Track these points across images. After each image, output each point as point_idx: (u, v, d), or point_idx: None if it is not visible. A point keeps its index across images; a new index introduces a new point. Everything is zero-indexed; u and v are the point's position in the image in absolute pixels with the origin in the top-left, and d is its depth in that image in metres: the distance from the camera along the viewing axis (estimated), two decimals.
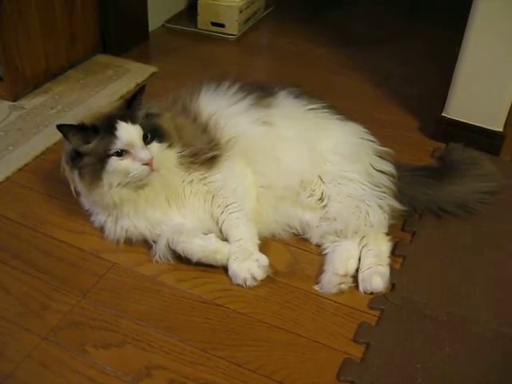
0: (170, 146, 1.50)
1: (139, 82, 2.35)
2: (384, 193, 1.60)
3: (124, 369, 1.28)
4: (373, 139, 1.69)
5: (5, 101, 2.17)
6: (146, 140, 1.45)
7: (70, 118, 2.08)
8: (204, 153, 1.55)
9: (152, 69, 2.46)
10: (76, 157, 1.46)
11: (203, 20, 2.80)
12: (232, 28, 2.78)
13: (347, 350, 1.35)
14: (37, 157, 1.91)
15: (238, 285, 1.48)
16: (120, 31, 2.55)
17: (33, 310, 1.40)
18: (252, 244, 1.51)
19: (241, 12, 2.78)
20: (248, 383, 1.27)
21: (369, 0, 3.31)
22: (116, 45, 2.54)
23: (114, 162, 1.42)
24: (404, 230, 1.69)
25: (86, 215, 1.63)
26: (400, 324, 1.41)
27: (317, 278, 1.52)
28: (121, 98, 2.23)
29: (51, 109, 2.16)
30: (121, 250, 1.56)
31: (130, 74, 2.41)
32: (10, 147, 1.94)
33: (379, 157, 1.66)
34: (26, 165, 1.87)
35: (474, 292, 1.51)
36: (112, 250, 1.57)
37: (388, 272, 1.52)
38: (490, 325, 1.42)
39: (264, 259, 1.48)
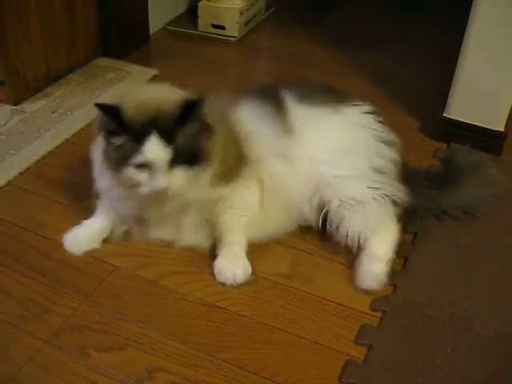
0: (204, 169, 1.41)
1: (140, 85, 2.35)
2: (384, 188, 1.57)
3: (126, 372, 1.28)
4: (376, 126, 1.64)
5: (6, 105, 2.18)
6: (174, 163, 1.34)
7: (72, 122, 2.09)
8: (233, 172, 1.50)
9: (153, 71, 2.46)
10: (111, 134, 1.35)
11: (204, 22, 2.81)
12: (232, 30, 2.79)
13: (349, 352, 1.35)
14: (38, 161, 1.91)
15: (221, 283, 1.49)
16: (121, 34, 2.55)
17: (34, 314, 1.40)
18: (243, 251, 1.52)
19: (241, 14, 2.78)
20: None
21: (369, 1, 3.31)
22: (117, 48, 2.55)
23: (131, 172, 1.34)
24: (406, 231, 1.68)
25: (87, 219, 1.63)
26: (402, 325, 1.41)
27: (318, 279, 1.52)
28: None
29: (52, 112, 2.16)
30: (122, 253, 1.57)
31: (131, 77, 2.41)
32: (12, 151, 1.94)
33: (383, 143, 1.62)
34: (27, 169, 1.87)
35: (475, 293, 1.50)
36: (113, 253, 1.57)
37: (384, 270, 1.50)
38: (492, 325, 1.41)
39: (248, 267, 1.50)
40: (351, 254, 1.58)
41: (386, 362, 1.32)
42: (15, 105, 2.18)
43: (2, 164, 1.88)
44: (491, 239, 1.68)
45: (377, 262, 1.50)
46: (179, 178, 1.36)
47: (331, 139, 1.58)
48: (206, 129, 1.40)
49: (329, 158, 1.56)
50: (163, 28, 2.88)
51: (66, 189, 1.77)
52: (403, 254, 1.60)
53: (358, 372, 1.30)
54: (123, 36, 2.56)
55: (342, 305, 1.46)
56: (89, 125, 2.08)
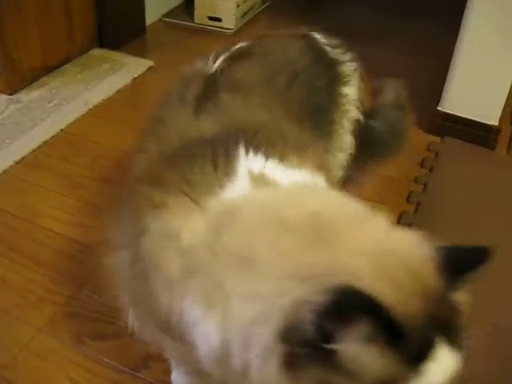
0: None
1: (136, 75, 2.35)
2: None
3: (121, 360, 1.29)
4: None
5: (2, 94, 2.17)
6: None
7: (67, 112, 2.08)
8: None
9: (149, 63, 2.46)
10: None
11: (200, 14, 2.80)
12: (229, 22, 2.78)
13: None
14: (34, 150, 1.91)
15: None
16: (117, 25, 2.55)
17: (30, 302, 1.41)
18: None
19: (238, 6, 2.78)
20: None
21: None
22: (113, 39, 2.54)
23: None
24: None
25: (82, 208, 1.63)
26: None
27: None
28: (118, 91, 2.24)
29: (48, 102, 2.16)
30: None
31: (127, 68, 2.41)
32: (7, 140, 1.94)
33: None
34: (22, 158, 1.87)
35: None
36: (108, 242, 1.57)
37: None
38: (489, 320, 1.40)
39: None
40: None
41: None
42: (11, 94, 2.18)
43: None
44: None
45: None
46: None
47: None
48: None
49: None
50: (159, 20, 2.87)
51: (61, 178, 1.77)
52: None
53: None
54: (119, 27, 2.56)
55: None
56: (84, 115, 2.09)
